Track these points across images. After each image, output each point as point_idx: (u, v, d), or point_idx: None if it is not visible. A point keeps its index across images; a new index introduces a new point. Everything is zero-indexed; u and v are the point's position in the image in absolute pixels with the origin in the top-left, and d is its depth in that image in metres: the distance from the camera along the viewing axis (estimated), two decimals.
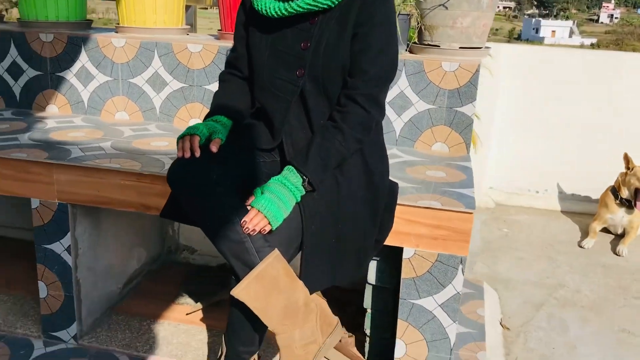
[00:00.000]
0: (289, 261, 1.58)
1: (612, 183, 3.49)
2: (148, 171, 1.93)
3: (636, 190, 3.30)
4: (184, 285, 2.56)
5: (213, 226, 1.54)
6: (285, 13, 1.60)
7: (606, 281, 2.97)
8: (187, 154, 1.57)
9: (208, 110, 1.76)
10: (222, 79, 1.82)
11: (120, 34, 2.65)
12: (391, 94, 2.30)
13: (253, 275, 1.50)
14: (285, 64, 1.65)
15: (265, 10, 1.62)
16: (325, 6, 1.58)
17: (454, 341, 1.86)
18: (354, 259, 1.68)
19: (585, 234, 3.51)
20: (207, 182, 1.53)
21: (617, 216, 3.41)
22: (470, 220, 1.74)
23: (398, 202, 1.77)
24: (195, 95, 2.53)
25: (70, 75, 2.63)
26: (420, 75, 2.26)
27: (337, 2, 1.58)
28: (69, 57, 2.61)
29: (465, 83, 2.23)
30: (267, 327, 1.61)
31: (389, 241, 1.80)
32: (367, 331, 2.10)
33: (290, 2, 1.58)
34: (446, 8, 2.19)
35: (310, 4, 1.57)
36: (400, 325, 1.89)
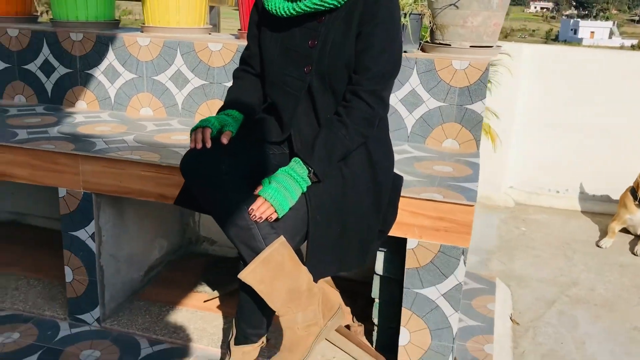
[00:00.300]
0: (294, 249, 1.66)
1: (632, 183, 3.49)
2: (166, 163, 2.03)
3: None
4: (202, 274, 2.67)
5: (222, 213, 1.63)
6: (294, 12, 1.68)
7: (622, 280, 2.98)
8: (199, 145, 1.66)
9: None
10: (236, 75, 1.91)
11: (145, 33, 2.77)
12: (403, 92, 2.37)
13: (259, 259, 1.58)
14: (294, 61, 1.74)
15: (276, 10, 1.71)
16: (331, 6, 1.66)
17: (456, 330, 1.92)
18: (358, 248, 1.76)
19: (604, 234, 3.51)
20: (217, 172, 1.63)
21: (636, 217, 3.40)
22: (471, 212, 1.80)
23: (402, 194, 1.84)
24: (215, 92, 2.64)
25: (98, 73, 2.76)
26: (432, 74, 2.32)
27: (343, 2, 1.66)
28: (97, 55, 2.74)
29: (475, 81, 2.28)
30: (274, 311, 1.70)
31: (394, 232, 1.87)
32: (375, 320, 2.17)
33: (298, 2, 1.67)
34: (457, 7, 2.25)
35: (317, 4, 1.65)
36: (405, 314, 1.95)
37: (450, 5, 2.25)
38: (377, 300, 2.14)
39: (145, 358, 2.10)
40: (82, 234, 2.19)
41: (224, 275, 2.64)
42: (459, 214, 1.81)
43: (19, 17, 3.01)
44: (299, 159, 1.65)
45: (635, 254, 3.26)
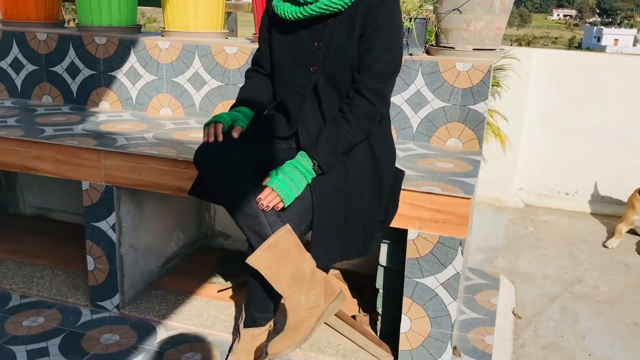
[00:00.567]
0: (300, 237, 1.77)
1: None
2: (183, 158, 2.16)
3: None
4: (217, 267, 2.79)
5: (232, 202, 1.75)
6: (301, 16, 1.80)
7: (626, 279, 3.04)
8: (211, 139, 1.79)
9: None
10: (248, 75, 2.04)
11: (165, 37, 2.92)
12: (408, 92, 2.47)
13: (266, 245, 1.70)
14: (301, 62, 1.86)
15: (284, 14, 1.83)
16: (335, 10, 1.78)
17: (454, 318, 2.01)
18: (360, 237, 1.87)
19: (612, 235, 3.57)
20: (227, 164, 1.75)
21: None
22: (468, 205, 1.89)
23: (403, 187, 1.95)
24: (230, 93, 2.77)
25: (121, 75, 2.92)
26: (436, 75, 2.43)
27: (346, 7, 1.78)
28: (119, 58, 2.90)
29: (477, 82, 2.38)
30: (281, 297, 1.81)
31: (395, 223, 1.98)
32: (379, 310, 2.27)
33: (305, 6, 1.79)
34: (460, 12, 2.35)
35: (322, 8, 1.77)
36: (406, 302, 2.05)
37: (454, 10, 2.36)
38: (381, 291, 2.24)
39: (161, 342, 2.23)
40: (103, 225, 2.33)
41: (237, 268, 2.76)
42: (456, 207, 1.91)
43: (47, 22, 3.18)
44: (305, 153, 1.77)
45: None
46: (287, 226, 1.73)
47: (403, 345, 2.09)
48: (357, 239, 1.86)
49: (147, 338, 2.25)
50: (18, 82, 3.11)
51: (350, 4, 1.77)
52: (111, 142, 2.33)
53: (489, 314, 2.53)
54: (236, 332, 2.12)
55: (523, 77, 3.81)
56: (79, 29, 3.04)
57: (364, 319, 2.38)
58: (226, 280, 2.67)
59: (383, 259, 2.18)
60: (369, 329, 2.33)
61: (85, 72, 2.97)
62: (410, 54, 2.46)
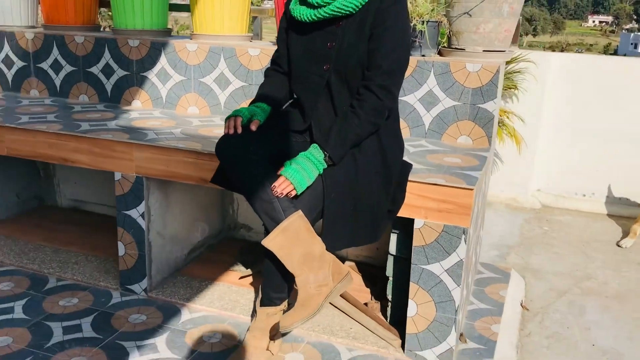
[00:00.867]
0: (311, 224, 1.92)
1: None
2: (206, 150, 2.33)
3: None
4: (239, 256, 2.95)
5: (249, 189, 1.91)
6: (315, 18, 1.95)
7: (637, 277, 3.10)
8: (232, 131, 1.96)
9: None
10: (267, 74, 2.20)
11: (194, 40, 3.10)
12: (421, 92, 2.60)
13: (279, 229, 1.85)
14: (315, 61, 2.01)
15: (300, 17, 1.99)
16: (347, 12, 1.93)
17: (458, 303, 2.13)
18: (369, 224, 2.00)
19: (627, 235, 3.62)
20: (245, 154, 1.91)
21: None
22: (471, 195, 2.02)
23: (410, 179, 2.08)
24: (253, 93, 2.91)
25: (152, 75, 3.11)
26: (447, 75, 2.55)
27: (357, 9, 1.92)
28: (151, 59, 3.09)
29: (487, 82, 2.50)
30: (294, 278, 1.96)
31: (402, 213, 2.11)
32: (389, 297, 2.40)
33: (318, 9, 1.94)
34: (470, 16, 2.48)
35: (334, 11, 1.92)
36: (412, 287, 2.18)
37: (465, 13, 2.48)
38: (390, 279, 2.37)
39: (185, 322, 2.39)
40: (133, 213, 2.51)
41: (258, 257, 2.90)
42: (460, 197, 2.03)
43: (85, 27, 3.40)
44: (317, 145, 1.92)
45: None
46: (300, 212, 1.88)
47: (410, 328, 2.21)
48: (365, 226, 2.00)
49: (172, 318, 2.42)
50: (57, 82, 3.34)
51: (360, 6, 1.92)
52: (142, 136, 2.51)
53: (497, 305, 2.63)
54: (254, 314, 2.27)
55: (540, 80, 3.90)
56: (114, 32, 3.25)
57: (375, 305, 2.51)
58: (247, 269, 2.83)
59: (393, 248, 2.31)
60: (379, 314, 2.46)
61: (119, 73, 3.18)
62: (423, 55, 2.59)
